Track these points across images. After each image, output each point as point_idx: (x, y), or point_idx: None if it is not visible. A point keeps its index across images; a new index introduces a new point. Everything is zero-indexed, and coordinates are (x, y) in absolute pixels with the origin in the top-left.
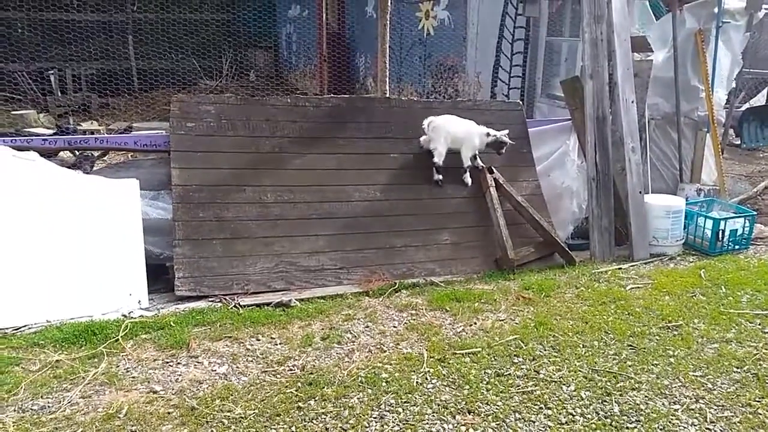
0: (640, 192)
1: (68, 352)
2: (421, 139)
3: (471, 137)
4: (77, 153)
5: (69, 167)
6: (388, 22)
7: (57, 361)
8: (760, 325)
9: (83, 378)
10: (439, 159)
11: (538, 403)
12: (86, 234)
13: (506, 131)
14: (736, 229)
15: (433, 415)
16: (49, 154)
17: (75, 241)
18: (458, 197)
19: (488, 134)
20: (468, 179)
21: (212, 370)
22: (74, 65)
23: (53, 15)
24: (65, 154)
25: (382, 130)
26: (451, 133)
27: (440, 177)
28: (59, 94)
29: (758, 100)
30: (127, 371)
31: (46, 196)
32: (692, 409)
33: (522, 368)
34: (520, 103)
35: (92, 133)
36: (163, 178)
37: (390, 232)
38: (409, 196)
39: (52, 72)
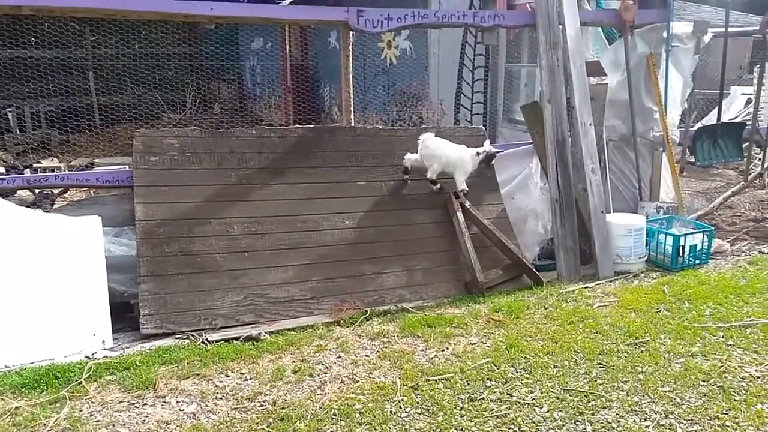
0: (602, 211)
1: (28, 398)
2: (407, 157)
3: (464, 162)
4: (36, 191)
5: (28, 206)
6: (350, 52)
7: (16, 408)
8: (723, 337)
9: (44, 425)
10: (433, 174)
11: (512, 426)
12: (47, 274)
13: (487, 143)
14: (696, 245)
15: None
16: (5, 193)
17: (35, 282)
18: (426, 222)
19: (477, 153)
20: (465, 202)
21: (180, 410)
22: (33, 102)
23: (10, 53)
24: (24, 193)
25: (348, 159)
26: (445, 155)
27: (439, 186)
28: (17, 131)
29: (710, 120)
30: (91, 415)
31: (3, 236)
32: (662, 425)
33: (495, 392)
34: (483, 128)
35: (52, 171)
36: (126, 214)
37: (359, 260)
38: (377, 223)
39: (9, 110)
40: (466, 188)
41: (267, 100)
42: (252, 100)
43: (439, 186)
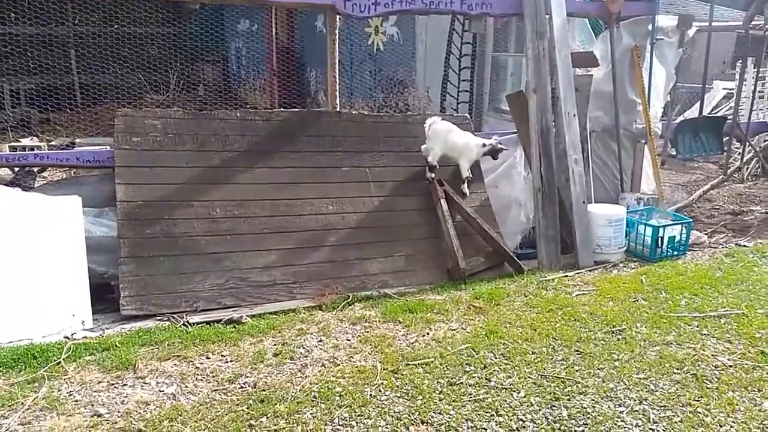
0: (584, 202)
1: (6, 377)
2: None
3: (469, 149)
4: (16, 169)
5: (6, 185)
6: (337, 37)
7: None
8: (697, 327)
9: (22, 404)
10: (433, 159)
11: (490, 410)
12: (25, 254)
13: (497, 138)
14: (674, 236)
15: (387, 428)
16: None
17: (13, 261)
18: (410, 209)
19: (484, 144)
20: (466, 189)
21: (160, 391)
22: (12, 79)
23: None
24: (2, 171)
25: (333, 144)
26: (451, 140)
27: (433, 175)
28: None
29: (692, 113)
30: (70, 395)
31: None
32: (636, 411)
33: (474, 377)
34: (468, 116)
35: (32, 150)
36: (107, 195)
37: (343, 245)
38: (361, 208)
39: None
40: (471, 175)
41: (252, 83)
42: (237, 83)
43: (433, 175)
